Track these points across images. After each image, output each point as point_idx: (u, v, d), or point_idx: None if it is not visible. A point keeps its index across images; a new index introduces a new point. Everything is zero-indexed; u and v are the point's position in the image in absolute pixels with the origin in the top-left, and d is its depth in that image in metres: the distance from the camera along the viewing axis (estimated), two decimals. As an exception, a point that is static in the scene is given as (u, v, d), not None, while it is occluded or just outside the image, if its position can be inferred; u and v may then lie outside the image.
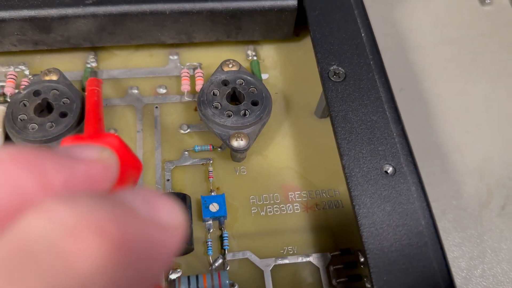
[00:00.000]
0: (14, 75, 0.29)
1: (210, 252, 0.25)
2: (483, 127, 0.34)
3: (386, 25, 0.39)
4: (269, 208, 0.27)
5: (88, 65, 0.30)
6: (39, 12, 0.28)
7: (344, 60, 0.27)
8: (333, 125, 0.25)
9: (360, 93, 0.26)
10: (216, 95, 0.27)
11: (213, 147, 0.28)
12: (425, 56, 0.39)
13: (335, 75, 0.27)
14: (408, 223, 0.23)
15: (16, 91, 0.28)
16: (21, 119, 0.25)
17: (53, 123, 0.25)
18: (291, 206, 0.27)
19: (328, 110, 0.26)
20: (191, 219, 0.25)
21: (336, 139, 0.25)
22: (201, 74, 0.30)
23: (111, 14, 0.28)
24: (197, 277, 0.23)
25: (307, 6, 0.29)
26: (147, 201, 0.11)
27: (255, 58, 0.32)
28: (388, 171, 0.24)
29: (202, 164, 0.28)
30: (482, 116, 0.35)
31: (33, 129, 0.25)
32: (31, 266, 0.09)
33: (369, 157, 0.24)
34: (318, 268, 0.25)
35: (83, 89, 0.29)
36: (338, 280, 0.25)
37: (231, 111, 0.27)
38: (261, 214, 0.26)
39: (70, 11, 0.28)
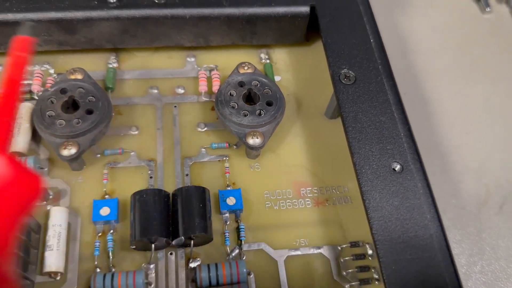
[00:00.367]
0: (40, 73, 0.30)
1: (227, 242, 0.26)
2: (482, 128, 0.36)
3: (389, 31, 0.41)
4: (282, 202, 0.28)
5: (110, 65, 0.32)
6: (65, 14, 0.29)
7: (354, 64, 0.29)
8: (344, 125, 0.27)
9: (369, 95, 0.28)
10: (232, 95, 0.29)
11: (229, 144, 0.30)
12: (427, 61, 0.41)
13: (345, 78, 0.28)
14: (415, 216, 0.24)
15: (42, 89, 0.30)
16: (49, 115, 0.27)
17: (79, 120, 0.27)
18: (302, 201, 0.28)
19: (339, 111, 0.27)
20: (210, 211, 0.26)
21: (347, 138, 0.26)
22: (217, 76, 0.31)
23: (134, 17, 0.30)
24: (216, 265, 0.25)
25: (319, 13, 0.31)
26: None
27: (268, 61, 0.33)
28: (396, 169, 0.26)
29: (219, 160, 0.29)
30: (481, 118, 0.37)
31: (60, 124, 0.27)
32: None
33: (378, 155, 0.26)
34: (328, 260, 0.27)
35: (106, 88, 0.30)
36: (347, 271, 0.26)
37: (247, 111, 0.28)
38: (275, 208, 0.28)
39: (95, 13, 0.29)
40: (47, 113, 0.27)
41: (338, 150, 0.30)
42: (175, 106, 0.31)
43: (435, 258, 0.23)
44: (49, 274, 0.25)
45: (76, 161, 0.27)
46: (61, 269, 0.24)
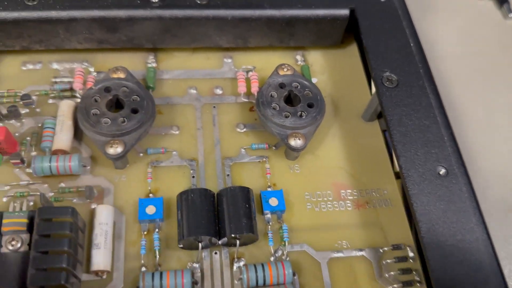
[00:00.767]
0: (81, 71, 0.30)
1: (271, 243, 0.26)
2: (507, 134, 0.36)
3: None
4: (323, 204, 0.28)
5: (149, 65, 0.32)
6: (108, 13, 0.29)
7: (396, 68, 0.29)
8: (388, 128, 0.27)
9: (412, 99, 0.28)
10: (273, 96, 0.29)
11: (268, 145, 0.30)
12: (449, 67, 0.41)
13: (388, 81, 0.28)
14: (461, 220, 0.25)
15: (83, 87, 0.30)
16: (93, 114, 0.27)
17: (125, 118, 0.27)
18: (343, 203, 0.28)
19: (383, 114, 0.27)
20: (255, 212, 0.26)
21: (392, 141, 0.26)
22: (256, 77, 0.32)
23: (177, 17, 0.30)
24: (262, 265, 0.25)
25: (359, 16, 0.31)
26: None
27: (304, 63, 0.34)
28: (441, 173, 0.26)
29: (259, 161, 0.29)
30: (506, 124, 0.37)
31: (106, 123, 0.27)
32: None
33: (424, 159, 0.26)
34: (370, 262, 0.27)
35: (147, 87, 0.31)
36: (389, 273, 0.26)
37: (289, 112, 0.28)
38: (316, 210, 0.28)
39: (137, 13, 0.29)
40: (92, 111, 0.27)
41: (375, 153, 0.30)
42: (214, 107, 0.31)
43: (481, 261, 0.24)
44: (96, 272, 0.25)
45: (120, 160, 0.27)
46: (108, 268, 0.25)
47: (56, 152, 0.27)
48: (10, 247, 0.24)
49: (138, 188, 0.28)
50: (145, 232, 0.26)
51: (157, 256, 0.25)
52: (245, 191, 0.26)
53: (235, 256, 0.26)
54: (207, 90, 0.32)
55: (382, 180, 0.30)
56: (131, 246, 0.26)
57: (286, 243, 0.26)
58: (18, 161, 0.27)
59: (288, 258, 0.26)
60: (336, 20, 0.31)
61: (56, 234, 0.24)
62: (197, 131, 0.30)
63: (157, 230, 0.26)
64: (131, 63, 0.32)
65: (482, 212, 0.25)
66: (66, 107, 0.29)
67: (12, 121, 0.29)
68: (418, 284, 0.26)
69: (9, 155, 0.28)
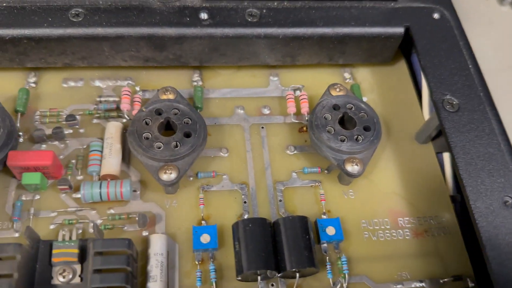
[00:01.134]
0: (128, 91, 0.29)
1: (330, 275, 0.25)
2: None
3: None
4: (380, 233, 0.27)
5: (195, 83, 0.31)
6: (157, 31, 0.28)
7: (456, 91, 0.28)
8: (453, 156, 0.26)
9: (475, 125, 0.27)
10: (327, 119, 0.28)
11: (321, 169, 0.29)
12: (493, 80, 0.40)
13: (449, 105, 0.27)
14: (532, 255, 0.24)
15: (130, 107, 0.29)
16: (145, 137, 0.26)
17: (178, 143, 0.26)
18: (401, 232, 0.27)
19: (446, 141, 0.26)
20: (314, 242, 0.25)
21: (458, 170, 0.25)
22: (306, 97, 0.30)
23: (227, 36, 0.29)
24: (325, 300, 0.24)
25: (415, 35, 0.30)
26: None
27: (352, 80, 0.33)
28: (507, 203, 0.25)
29: (311, 186, 0.28)
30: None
31: (159, 148, 0.26)
32: None
33: (490, 189, 0.25)
34: (431, 294, 0.26)
35: (196, 108, 0.29)
36: (451, 306, 0.25)
37: (345, 136, 0.27)
38: (373, 238, 0.27)
39: (187, 31, 0.28)
40: (143, 135, 0.26)
41: (430, 176, 0.29)
42: (262, 127, 0.30)
43: (556, 300, 0.23)
44: (152, 305, 0.24)
45: (173, 185, 0.26)
46: (165, 301, 0.24)
47: (105, 177, 0.26)
48: (62, 279, 0.23)
49: (190, 214, 0.27)
50: (200, 262, 0.25)
51: (214, 289, 0.24)
52: (304, 221, 0.25)
53: (294, 288, 0.25)
54: (254, 110, 0.31)
55: (439, 206, 0.28)
56: (186, 277, 0.25)
57: (347, 276, 0.25)
58: (66, 186, 0.26)
59: (347, 291, 0.25)
60: (390, 38, 0.30)
61: (112, 269, 0.23)
62: (246, 153, 0.29)
63: (212, 260, 0.25)
64: (176, 81, 0.31)
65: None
66: (114, 129, 0.28)
67: (56, 143, 0.28)
68: (480, 317, 0.25)
69: (54, 179, 0.27)
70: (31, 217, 0.26)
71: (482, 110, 0.28)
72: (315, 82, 0.32)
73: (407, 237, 0.27)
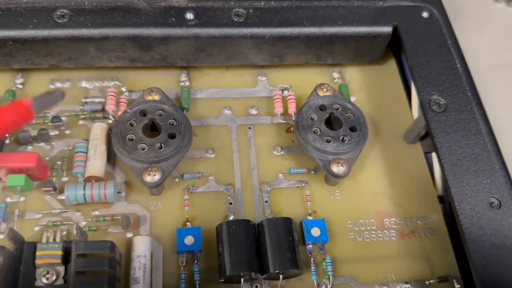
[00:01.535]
0: (114, 92, 0.29)
1: (314, 276, 0.25)
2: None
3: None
4: (366, 234, 0.27)
5: (182, 83, 0.31)
6: (142, 31, 0.28)
7: (443, 91, 0.28)
8: (438, 156, 0.26)
9: (461, 125, 0.27)
10: (314, 119, 0.28)
11: (307, 170, 0.29)
12: (483, 79, 0.39)
13: (436, 105, 0.27)
14: (517, 257, 0.23)
15: (116, 108, 0.29)
16: (129, 139, 0.26)
17: (162, 144, 0.26)
18: (387, 233, 0.27)
19: (432, 141, 0.26)
20: (297, 243, 0.25)
21: (443, 171, 0.25)
22: (293, 97, 0.30)
23: (213, 36, 0.28)
24: (308, 302, 0.24)
25: (403, 34, 0.30)
26: None
27: (340, 80, 0.32)
28: (493, 204, 0.25)
29: (297, 186, 0.28)
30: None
31: (143, 149, 0.26)
32: None
33: (475, 190, 0.25)
34: (417, 295, 0.26)
35: (182, 108, 0.29)
36: (437, 308, 0.25)
37: (330, 137, 0.27)
38: (359, 239, 0.27)
39: (173, 31, 0.28)
40: (128, 136, 0.26)
41: (418, 177, 0.29)
42: (249, 128, 0.30)
43: (540, 302, 0.23)
44: (135, 307, 0.24)
45: (157, 187, 0.26)
46: (148, 303, 0.24)
47: (89, 179, 0.26)
48: (45, 281, 0.23)
49: (175, 215, 0.27)
50: (183, 263, 0.25)
51: (198, 291, 0.24)
52: (288, 223, 0.25)
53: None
54: (242, 110, 0.31)
55: (426, 207, 0.28)
56: (170, 279, 0.25)
57: (331, 277, 0.25)
58: (51, 188, 0.26)
59: (332, 292, 0.25)
60: (378, 37, 0.30)
61: (94, 271, 0.23)
62: (233, 154, 0.29)
63: (196, 262, 0.25)
64: (164, 82, 0.31)
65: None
66: (99, 130, 0.28)
67: (42, 144, 0.28)
68: (466, 318, 0.25)
69: (39, 181, 0.27)
70: (16, 218, 0.26)
71: (469, 110, 0.27)
72: (303, 82, 0.32)
73: (393, 238, 0.27)
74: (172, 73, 0.31)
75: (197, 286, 0.24)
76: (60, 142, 0.28)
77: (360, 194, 0.28)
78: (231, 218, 0.27)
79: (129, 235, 0.26)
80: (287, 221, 0.25)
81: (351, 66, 0.33)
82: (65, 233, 0.26)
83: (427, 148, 0.30)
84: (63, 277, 0.23)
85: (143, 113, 0.27)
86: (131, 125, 0.26)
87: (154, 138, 0.26)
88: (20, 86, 0.30)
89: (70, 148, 0.28)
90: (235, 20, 0.29)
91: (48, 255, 0.23)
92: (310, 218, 0.27)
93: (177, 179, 0.28)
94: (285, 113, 0.30)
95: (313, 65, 0.33)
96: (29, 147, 0.28)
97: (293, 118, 0.30)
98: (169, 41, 0.28)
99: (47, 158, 0.28)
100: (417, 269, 0.26)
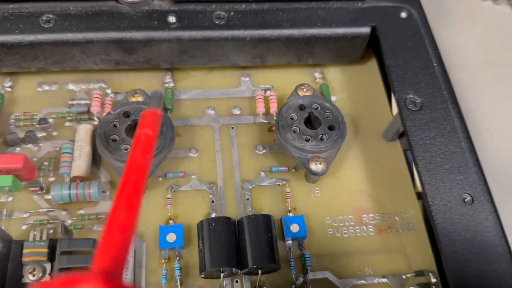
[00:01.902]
0: (99, 94, 0.30)
1: (293, 271, 0.26)
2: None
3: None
4: (345, 230, 0.28)
5: (166, 85, 0.32)
6: (125, 35, 0.29)
7: (419, 90, 0.28)
8: (413, 154, 0.26)
9: (436, 123, 0.27)
10: (293, 119, 0.29)
11: (288, 168, 0.29)
12: (469, 76, 0.40)
13: (411, 103, 0.28)
14: (488, 250, 0.24)
15: (101, 109, 0.30)
16: (113, 140, 0.27)
17: (144, 145, 0.26)
18: (365, 228, 0.28)
19: (407, 139, 0.27)
20: (276, 239, 0.26)
21: (417, 168, 0.26)
22: (274, 97, 0.31)
23: (195, 39, 0.29)
24: (285, 296, 0.25)
25: (381, 34, 0.30)
26: None
27: (322, 80, 0.33)
28: (466, 200, 0.25)
29: (278, 184, 0.29)
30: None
31: (126, 149, 0.26)
32: None
33: (449, 186, 0.26)
34: (394, 289, 0.26)
35: (165, 110, 0.30)
36: (413, 301, 0.26)
37: (309, 135, 0.28)
38: (337, 235, 0.28)
39: (155, 34, 0.29)
40: (111, 137, 0.27)
41: (397, 174, 0.30)
42: (232, 128, 0.31)
43: (510, 294, 0.23)
44: (118, 302, 0.24)
45: (140, 187, 0.27)
46: (130, 298, 0.24)
47: (75, 179, 0.27)
48: (32, 277, 0.24)
49: (158, 213, 0.27)
50: (166, 260, 0.26)
51: (179, 286, 0.25)
52: (267, 219, 0.26)
53: (257, 285, 0.25)
54: (225, 110, 0.31)
55: (404, 202, 0.29)
56: (152, 275, 0.26)
57: (309, 271, 0.26)
58: (37, 188, 0.27)
59: (310, 286, 0.26)
60: (356, 38, 0.31)
61: (78, 268, 0.23)
62: (216, 153, 0.30)
63: (177, 258, 0.26)
64: (149, 83, 0.32)
65: (508, 242, 0.25)
66: (84, 131, 0.28)
67: (30, 145, 0.29)
68: (442, 311, 0.26)
69: (27, 181, 0.27)
70: (4, 218, 0.27)
71: (444, 108, 0.28)
72: (286, 82, 0.33)
73: (371, 234, 0.28)
74: (157, 75, 0.32)
75: (178, 282, 0.25)
76: (48, 143, 0.29)
77: (339, 191, 0.29)
78: (213, 215, 0.28)
79: (113, 233, 0.26)
80: (266, 217, 0.26)
81: (333, 66, 0.34)
82: (51, 231, 0.26)
83: (406, 145, 0.31)
84: (50, 274, 0.24)
85: (127, 114, 0.28)
86: (115, 126, 0.27)
87: (136, 139, 0.27)
88: (9, 89, 0.31)
89: (57, 149, 0.29)
90: (217, 22, 0.30)
91: (34, 253, 0.24)
92: (290, 215, 0.28)
93: (160, 178, 0.28)
94: (267, 113, 0.31)
95: (295, 66, 0.33)
96: (18, 149, 0.29)
97: (275, 118, 0.30)
98: (152, 44, 0.29)
99: (34, 159, 0.28)
100: (394, 264, 0.27)
